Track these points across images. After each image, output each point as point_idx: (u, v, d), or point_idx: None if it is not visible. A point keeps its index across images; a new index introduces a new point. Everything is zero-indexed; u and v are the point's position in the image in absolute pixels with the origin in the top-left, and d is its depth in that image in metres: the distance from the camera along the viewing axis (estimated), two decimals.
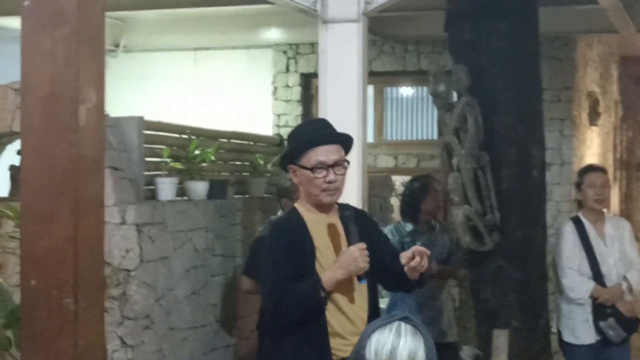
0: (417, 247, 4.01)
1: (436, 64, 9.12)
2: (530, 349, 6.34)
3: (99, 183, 2.81)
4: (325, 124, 4.24)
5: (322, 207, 4.12)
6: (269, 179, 7.64)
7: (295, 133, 4.24)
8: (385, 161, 9.92)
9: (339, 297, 4.04)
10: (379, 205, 11.60)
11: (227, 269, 6.84)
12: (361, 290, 4.10)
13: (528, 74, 6.49)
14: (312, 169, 4.03)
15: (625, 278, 5.98)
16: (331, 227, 4.11)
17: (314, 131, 4.14)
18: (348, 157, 4.22)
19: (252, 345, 7.09)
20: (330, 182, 4.03)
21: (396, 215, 9.90)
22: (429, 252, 4.01)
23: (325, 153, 4.04)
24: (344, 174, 4.09)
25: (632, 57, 12.52)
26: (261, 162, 7.47)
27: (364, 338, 2.40)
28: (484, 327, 6.39)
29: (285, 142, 4.31)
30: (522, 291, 6.38)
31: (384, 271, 4.10)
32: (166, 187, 6.22)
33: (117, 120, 6.07)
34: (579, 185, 6.15)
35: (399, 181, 11.05)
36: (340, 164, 4.08)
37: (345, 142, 4.17)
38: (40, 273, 2.73)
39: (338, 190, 4.09)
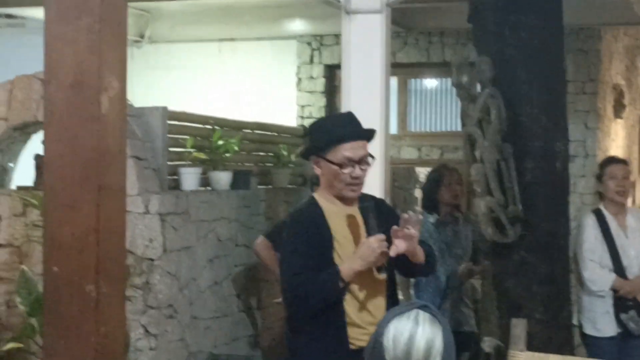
0: (392, 231, 3.98)
1: (460, 55, 9.09)
2: (553, 341, 6.32)
3: (121, 171, 2.83)
4: (352, 119, 4.24)
5: (343, 199, 4.14)
6: (292, 170, 7.65)
7: (322, 126, 4.25)
8: (409, 153, 9.93)
9: (357, 288, 4.06)
10: (403, 198, 11.58)
11: (250, 259, 6.86)
12: (379, 280, 4.12)
13: (552, 65, 6.46)
14: (339, 165, 4.05)
15: None
16: (350, 218, 4.13)
17: (342, 126, 4.15)
18: (371, 149, 4.24)
19: (274, 335, 7.12)
20: (355, 178, 4.06)
21: (420, 207, 9.90)
22: (414, 216, 3.99)
23: (352, 149, 4.06)
24: (367, 169, 4.12)
25: None
26: (285, 152, 7.48)
27: (382, 326, 2.41)
28: (506, 318, 6.37)
29: (310, 133, 4.30)
30: (546, 283, 6.35)
31: (400, 259, 4.10)
32: (190, 177, 6.25)
33: (141, 110, 6.10)
34: (600, 178, 6.13)
35: (423, 173, 11.01)
36: (365, 160, 4.10)
37: (370, 137, 4.20)
38: (62, 260, 2.75)
39: (361, 184, 4.12)
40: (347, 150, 4.06)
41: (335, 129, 4.13)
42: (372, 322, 3.92)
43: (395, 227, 3.97)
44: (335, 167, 4.06)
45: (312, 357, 3.97)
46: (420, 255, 4.12)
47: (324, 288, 3.96)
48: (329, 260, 4.02)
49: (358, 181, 4.09)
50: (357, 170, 4.07)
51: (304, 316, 4.04)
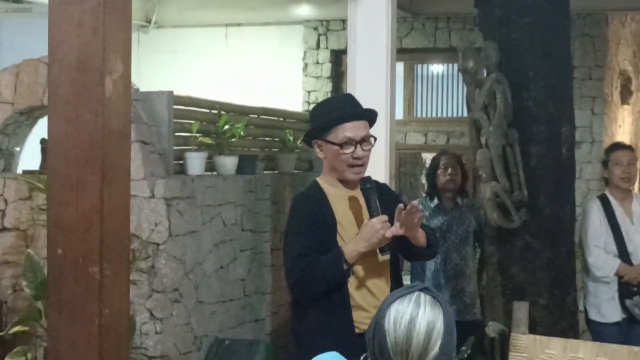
0: (396, 214, 4.00)
1: (466, 40, 9.08)
2: (557, 326, 6.33)
3: (125, 153, 2.84)
4: (351, 100, 4.27)
5: (346, 182, 4.15)
6: (298, 155, 7.65)
7: (321, 109, 4.26)
8: (415, 138, 9.92)
9: (361, 270, 4.08)
10: (410, 183, 11.59)
11: (255, 243, 6.87)
12: (383, 263, 4.14)
13: (558, 51, 6.45)
14: (340, 145, 4.06)
15: None
16: (352, 201, 4.15)
17: (341, 107, 4.17)
18: (376, 134, 4.25)
19: (280, 320, 7.14)
20: (357, 158, 4.07)
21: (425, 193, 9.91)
22: (415, 207, 4.00)
23: (353, 129, 4.07)
24: (370, 150, 4.12)
25: None
26: (291, 138, 7.48)
27: (383, 308, 2.42)
28: (510, 304, 6.37)
29: (310, 117, 4.32)
30: (550, 268, 6.36)
31: (403, 242, 4.12)
32: (195, 162, 6.25)
33: (147, 94, 6.10)
34: (605, 163, 6.14)
35: (429, 158, 11.04)
36: (367, 140, 4.11)
37: (371, 117, 4.20)
38: (66, 242, 2.77)
39: (364, 166, 4.13)
40: (348, 130, 4.07)
41: (334, 110, 4.14)
42: (376, 305, 3.91)
43: (401, 205, 3.99)
44: (337, 148, 4.07)
45: (317, 341, 3.98)
46: (421, 239, 4.14)
47: (328, 270, 3.97)
48: (332, 243, 4.04)
49: (360, 162, 4.10)
50: (358, 151, 4.07)
51: (308, 298, 4.06)
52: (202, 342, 6.20)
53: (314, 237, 4.01)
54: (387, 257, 4.11)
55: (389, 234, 4.01)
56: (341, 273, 3.98)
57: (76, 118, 2.74)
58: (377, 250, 4.07)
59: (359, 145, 4.08)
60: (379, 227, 3.97)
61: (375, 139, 4.17)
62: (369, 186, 4.10)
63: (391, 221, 4.02)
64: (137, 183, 5.70)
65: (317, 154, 4.20)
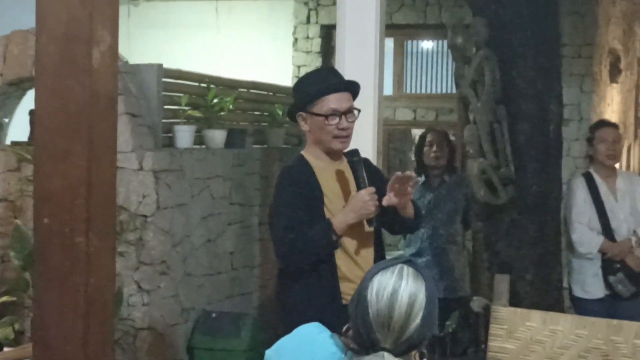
0: (390, 182, 4.06)
1: (456, 17, 9.08)
2: (543, 302, 6.38)
3: (112, 124, 2.85)
4: (334, 72, 4.33)
5: (332, 154, 4.19)
6: (287, 130, 7.66)
7: (305, 81, 4.29)
8: (405, 114, 9.94)
9: (348, 242, 4.12)
10: (399, 159, 11.62)
11: (244, 217, 6.89)
12: (368, 235, 4.18)
13: (547, 28, 6.47)
14: (325, 116, 4.09)
15: (635, 233, 6.01)
16: (339, 174, 4.19)
17: (325, 79, 4.21)
18: (364, 109, 4.30)
19: (268, 294, 7.17)
20: (342, 129, 4.10)
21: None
22: (409, 174, 4.04)
23: (337, 100, 4.11)
24: (354, 122, 4.16)
25: None
26: (280, 112, 7.49)
27: (366, 279, 2.44)
28: None
29: (294, 90, 4.35)
30: (536, 245, 6.41)
31: (388, 215, 4.17)
32: (184, 135, 6.26)
33: (137, 67, 6.10)
34: (590, 141, 6.17)
35: (419, 134, 11.07)
36: (351, 112, 4.15)
37: (354, 89, 4.24)
38: (53, 212, 2.77)
39: (349, 137, 4.17)
40: (332, 101, 4.11)
41: (318, 82, 4.18)
42: (361, 277, 3.91)
43: (399, 174, 4.02)
44: (321, 119, 4.10)
45: (304, 312, 4.00)
46: (410, 210, 4.19)
47: (317, 241, 4.01)
48: (319, 216, 4.07)
49: (345, 133, 4.14)
50: (343, 122, 4.11)
51: (297, 270, 4.09)
52: (190, 314, 6.23)
53: (302, 210, 4.04)
54: (372, 228, 4.16)
55: (385, 202, 4.06)
56: (330, 244, 4.02)
57: (63, 89, 2.74)
58: (365, 222, 4.11)
59: (343, 117, 4.12)
60: (367, 199, 4.02)
61: (359, 111, 4.21)
62: (356, 159, 4.14)
63: (378, 194, 4.06)
64: (125, 155, 5.71)
65: (302, 126, 4.23)
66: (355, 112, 4.19)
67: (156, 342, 5.91)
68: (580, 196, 6.04)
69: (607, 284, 5.98)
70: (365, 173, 4.14)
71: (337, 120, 4.11)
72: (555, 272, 6.59)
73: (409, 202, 4.17)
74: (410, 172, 4.07)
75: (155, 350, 5.91)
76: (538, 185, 6.41)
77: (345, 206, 4.09)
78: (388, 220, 4.23)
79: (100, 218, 2.80)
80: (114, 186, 2.90)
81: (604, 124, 6.35)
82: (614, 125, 6.32)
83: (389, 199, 4.08)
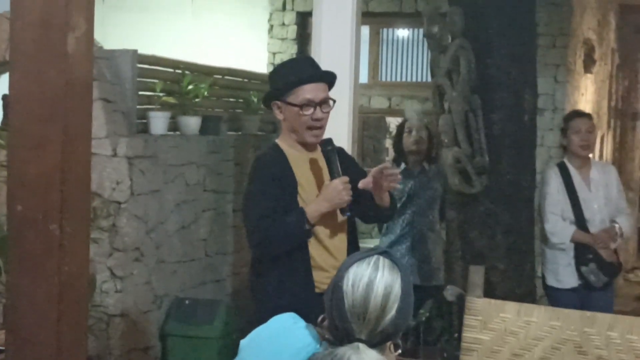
0: (375, 169, 4.08)
1: (432, 6, 9.08)
2: (516, 291, 6.41)
3: (87, 111, 2.83)
4: (311, 62, 4.33)
5: (305, 145, 4.19)
6: (262, 117, 7.65)
7: (281, 70, 4.29)
8: (380, 102, 9.94)
9: (321, 231, 4.13)
10: (373, 147, 11.62)
11: (218, 204, 6.88)
12: (341, 224, 4.19)
13: (523, 18, 6.48)
14: (300, 106, 4.09)
15: (614, 223, 6.06)
16: (313, 162, 4.20)
17: (301, 69, 4.21)
18: (339, 97, 4.30)
19: (241, 281, 7.16)
20: (316, 120, 4.10)
21: (390, 157, 9.93)
22: (387, 166, 4.07)
23: (313, 91, 4.12)
24: (329, 112, 4.16)
25: (631, 5, 12.45)
26: (255, 99, 7.47)
27: (342, 270, 2.44)
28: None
29: (269, 79, 4.34)
30: (510, 234, 6.43)
31: (361, 204, 4.18)
32: (159, 121, 6.24)
33: (111, 52, 6.06)
34: (564, 131, 6.20)
35: (394, 123, 11.07)
36: (326, 102, 4.15)
37: (330, 80, 4.24)
38: (27, 198, 2.76)
39: (322, 129, 4.18)
40: (307, 92, 4.12)
41: (294, 72, 4.19)
42: (335, 266, 3.97)
43: (387, 165, 4.07)
44: (296, 109, 4.10)
45: (277, 301, 4.01)
46: (386, 200, 4.21)
47: (291, 229, 4.02)
48: (293, 205, 4.08)
49: (319, 124, 4.14)
50: (317, 112, 4.12)
51: (270, 259, 4.09)
52: (163, 301, 6.22)
53: (276, 198, 4.05)
54: (346, 217, 4.17)
55: (361, 185, 4.09)
56: (303, 233, 4.03)
57: (38, 75, 2.72)
58: (338, 211, 4.12)
59: (318, 107, 4.13)
60: (341, 188, 4.03)
61: (334, 101, 4.21)
62: (330, 148, 4.15)
63: (351, 183, 4.07)
64: (99, 141, 5.68)
65: (277, 115, 4.23)
66: (331, 102, 4.19)
67: (129, 328, 5.90)
68: (553, 186, 6.07)
69: (580, 274, 6.02)
70: (340, 162, 4.15)
71: (311, 110, 4.11)
72: (528, 262, 6.62)
73: (386, 193, 4.18)
74: (397, 171, 4.10)
75: (128, 337, 5.90)
76: (512, 174, 6.43)
77: (318, 195, 4.09)
78: (361, 209, 4.24)
79: (74, 205, 2.79)
80: (89, 173, 2.89)
81: (577, 114, 6.38)
82: (588, 116, 6.35)
83: (367, 183, 4.09)
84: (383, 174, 4.06)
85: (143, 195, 5.94)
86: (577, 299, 6.00)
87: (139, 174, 5.88)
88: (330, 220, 4.14)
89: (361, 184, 4.13)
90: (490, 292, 5.63)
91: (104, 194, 5.77)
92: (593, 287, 6.02)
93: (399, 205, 5.47)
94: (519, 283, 6.52)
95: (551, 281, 6.15)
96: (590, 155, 6.33)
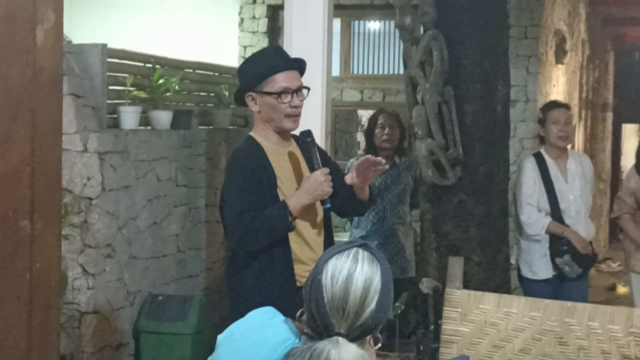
0: (357, 163, 4.09)
1: None
2: (490, 283, 6.40)
3: (56, 105, 2.78)
4: (280, 51, 4.33)
5: (283, 135, 4.16)
6: (233, 111, 7.60)
7: (252, 62, 4.26)
8: (351, 95, 9.91)
9: (300, 224, 4.11)
10: (345, 140, 11.59)
11: (190, 199, 6.83)
12: (319, 216, 4.16)
13: (495, 9, 6.47)
14: (278, 94, 4.06)
15: None
16: (290, 155, 4.17)
17: (272, 58, 4.19)
18: (312, 90, 4.29)
19: (214, 276, 7.12)
20: (295, 107, 4.08)
21: (362, 150, 9.91)
22: (371, 158, 4.05)
23: (288, 79, 4.10)
24: (303, 100, 4.14)
25: None
26: (226, 93, 7.42)
27: (321, 263, 2.40)
28: (444, 261, 6.42)
29: (239, 72, 4.30)
30: (483, 226, 6.42)
31: (338, 197, 4.16)
32: (129, 116, 6.18)
33: (80, 47, 6.00)
34: (542, 122, 6.19)
35: (365, 116, 11.03)
36: (301, 90, 4.13)
37: (301, 67, 4.22)
38: None
39: (299, 116, 4.14)
40: (283, 80, 4.10)
41: (266, 61, 4.17)
42: (313, 259, 3.95)
43: (369, 157, 4.05)
44: (273, 98, 4.07)
45: (258, 296, 3.97)
46: (367, 193, 4.23)
47: (274, 223, 3.98)
48: (273, 198, 4.05)
49: (297, 111, 4.13)
50: (295, 100, 4.10)
51: (250, 253, 4.05)
52: (135, 297, 6.16)
53: (256, 192, 4.01)
54: (324, 209, 4.15)
55: (349, 180, 4.10)
56: (286, 225, 4.00)
57: (6, 69, 2.67)
58: (317, 204, 4.10)
59: (295, 95, 4.09)
60: (322, 180, 4.01)
61: (308, 89, 4.19)
62: (310, 140, 4.13)
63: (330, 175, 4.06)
64: (69, 137, 5.61)
65: (251, 107, 4.19)
66: (305, 90, 4.16)
67: (102, 326, 5.84)
68: (530, 177, 6.07)
69: (555, 265, 6.02)
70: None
71: (289, 98, 4.09)
72: (502, 253, 6.61)
73: (367, 185, 4.18)
74: (381, 159, 4.07)
75: (101, 334, 5.84)
76: (485, 166, 6.41)
77: (298, 188, 4.06)
78: (339, 203, 4.22)
79: (45, 201, 2.74)
80: (60, 168, 2.84)
81: (555, 105, 6.38)
82: (566, 106, 6.35)
83: (352, 178, 4.09)
84: (367, 165, 4.04)
85: (114, 190, 5.88)
86: (552, 290, 6.00)
87: (109, 169, 5.82)
88: (309, 213, 4.12)
89: (348, 180, 4.12)
90: (464, 283, 5.60)
91: (74, 190, 5.70)
92: (568, 278, 6.02)
93: None
94: (493, 274, 6.51)
95: (526, 272, 6.15)
96: (569, 147, 6.33)
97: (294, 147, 4.21)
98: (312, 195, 4.02)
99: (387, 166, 4.15)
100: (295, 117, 4.14)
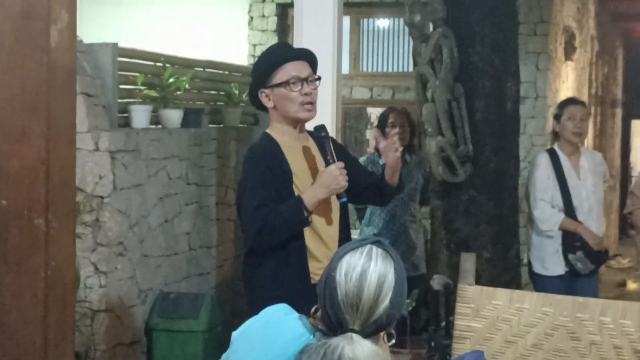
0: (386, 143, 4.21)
1: None
2: (501, 279, 6.42)
3: (70, 103, 2.80)
4: (287, 45, 4.38)
5: (299, 128, 4.17)
6: (243, 109, 7.61)
7: (260, 59, 4.33)
8: (361, 93, 9.92)
9: (316, 219, 4.11)
10: (355, 138, 11.60)
11: (201, 197, 6.85)
12: (334, 212, 4.18)
13: (504, 6, 6.48)
14: (287, 83, 4.08)
15: None
16: (306, 151, 4.18)
17: (279, 51, 4.24)
18: (322, 88, 4.31)
19: (225, 274, 7.14)
20: (307, 94, 4.09)
21: (371, 148, 9.92)
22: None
23: (296, 68, 4.13)
24: (316, 89, 4.15)
25: None
26: (236, 91, 7.44)
27: (335, 260, 2.42)
28: (455, 257, 6.44)
29: (251, 73, 4.34)
30: (494, 222, 6.43)
31: (361, 187, 4.22)
32: (140, 115, 6.19)
33: (91, 46, 6.01)
34: (558, 117, 6.18)
35: (374, 113, 11.04)
36: (312, 79, 4.14)
37: (310, 60, 4.23)
38: (11, 193, 2.72)
39: (314, 105, 4.16)
40: (292, 69, 4.13)
41: (274, 55, 4.21)
42: (328, 256, 3.96)
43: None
44: (284, 88, 4.10)
45: (274, 292, 3.98)
46: (397, 176, 4.29)
47: (290, 217, 3.99)
48: (289, 194, 4.07)
49: (309, 99, 4.14)
50: (306, 87, 4.11)
51: (265, 249, 4.07)
52: (147, 295, 6.18)
53: (272, 188, 4.03)
54: (340, 204, 4.18)
55: (381, 146, 4.26)
56: (302, 220, 4.01)
57: (20, 68, 2.69)
58: (335, 198, 4.11)
59: (305, 82, 4.11)
60: (337, 174, 4.03)
61: (319, 78, 4.21)
62: (323, 134, 4.14)
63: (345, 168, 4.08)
64: (81, 136, 5.63)
65: (266, 104, 4.20)
66: (316, 80, 4.19)
67: (114, 324, 5.86)
68: (544, 172, 6.06)
69: (567, 262, 6.02)
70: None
71: (299, 86, 4.10)
72: (512, 249, 6.62)
73: (399, 164, 4.25)
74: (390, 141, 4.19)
75: (113, 332, 5.86)
76: (495, 162, 6.43)
77: (314, 182, 4.08)
78: (360, 191, 4.28)
79: (59, 199, 2.76)
80: (74, 166, 2.86)
81: (573, 101, 6.38)
82: (582, 103, 6.35)
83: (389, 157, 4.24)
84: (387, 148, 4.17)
85: (126, 189, 5.90)
86: (564, 286, 6.00)
87: (121, 168, 5.84)
88: (324, 208, 4.14)
89: (380, 146, 4.27)
90: (475, 280, 5.63)
91: (86, 189, 5.72)
92: (579, 274, 6.02)
93: None
94: (504, 271, 6.53)
95: (538, 268, 6.15)
96: (582, 144, 6.34)
97: (309, 142, 4.23)
98: (327, 189, 4.03)
99: (398, 144, 4.19)
100: (310, 105, 4.15)
